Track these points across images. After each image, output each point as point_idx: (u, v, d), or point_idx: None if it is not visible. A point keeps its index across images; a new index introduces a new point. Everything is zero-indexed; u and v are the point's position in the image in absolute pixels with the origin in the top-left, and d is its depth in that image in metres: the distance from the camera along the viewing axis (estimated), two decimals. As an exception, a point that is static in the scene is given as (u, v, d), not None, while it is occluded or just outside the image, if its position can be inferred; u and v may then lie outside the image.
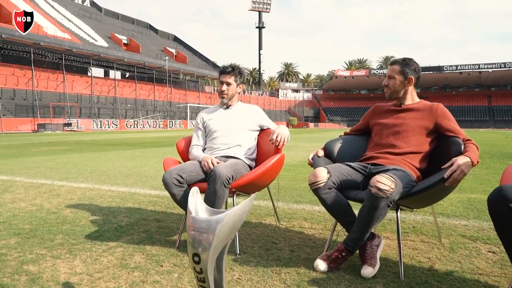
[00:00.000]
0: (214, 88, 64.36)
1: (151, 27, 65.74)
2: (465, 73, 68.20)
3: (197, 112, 53.69)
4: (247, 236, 2.84)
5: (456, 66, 68.35)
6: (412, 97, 2.48)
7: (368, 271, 2.07)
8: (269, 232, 2.94)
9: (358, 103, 78.96)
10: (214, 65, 65.52)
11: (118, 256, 2.43)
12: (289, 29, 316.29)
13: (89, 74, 43.97)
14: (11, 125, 30.57)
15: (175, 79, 54.56)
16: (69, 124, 33.74)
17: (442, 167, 2.06)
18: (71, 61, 40.72)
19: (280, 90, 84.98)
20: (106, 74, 48.10)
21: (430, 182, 2.04)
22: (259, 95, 75.10)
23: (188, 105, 49.33)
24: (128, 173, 6.14)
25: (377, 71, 74.83)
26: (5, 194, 4.34)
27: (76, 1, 56.32)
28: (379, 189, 1.92)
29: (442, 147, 2.33)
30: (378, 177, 1.96)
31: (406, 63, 2.42)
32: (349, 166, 2.33)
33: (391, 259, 2.35)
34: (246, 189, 2.60)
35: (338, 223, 2.34)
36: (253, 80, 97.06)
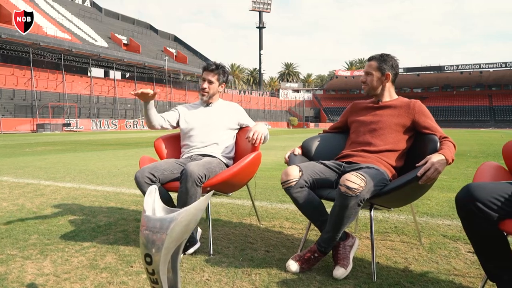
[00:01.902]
0: (214, 88, 64.21)
1: (152, 27, 65.76)
2: (466, 73, 68.08)
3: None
4: (224, 236, 2.79)
5: (457, 66, 68.23)
6: (390, 94, 2.43)
7: (340, 272, 2.01)
8: (248, 232, 2.89)
9: None
10: (214, 65, 65.39)
11: (90, 257, 2.38)
12: (290, 29, 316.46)
13: (89, 74, 43.97)
14: (10, 125, 30.57)
15: (175, 79, 54.53)
16: (68, 124, 33.73)
17: (417, 165, 2.00)
18: (71, 61, 40.72)
19: (280, 90, 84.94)
20: (106, 74, 48.13)
21: (403, 180, 1.98)
22: (259, 95, 75.05)
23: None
24: (117, 172, 6.10)
25: (377, 71, 74.67)
26: (-12, 194, 4.30)
27: (76, 1, 56.36)
28: (348, 188, 1.86)
29: (418, 144, 2.28)
30: (347, 176, 1.90)
31: (383, 59, 2.37)
32: (324, 164, 2.27)
33: (367, 260, 2.29)
34: (222, 188, 2.55)
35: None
36: (254, 80, 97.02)
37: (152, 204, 1.56)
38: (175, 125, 2.89)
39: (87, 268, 2.20)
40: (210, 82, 2.81)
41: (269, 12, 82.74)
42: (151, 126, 2.77)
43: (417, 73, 70.07)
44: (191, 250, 2.40)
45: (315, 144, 2.60)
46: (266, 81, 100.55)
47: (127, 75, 51.35)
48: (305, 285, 1.95)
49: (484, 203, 1.51)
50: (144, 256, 1.41)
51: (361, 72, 75.24)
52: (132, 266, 2.23)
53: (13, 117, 31.87)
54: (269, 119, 70.11)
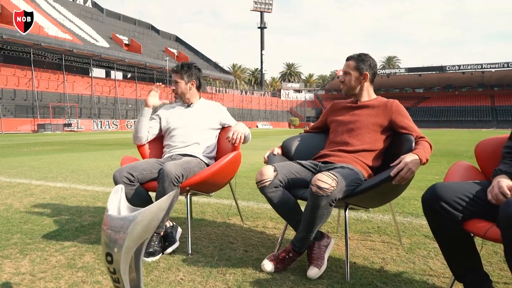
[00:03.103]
0: (215, 89, 64.38)
1: (153, 28, 65.85)
2: (467, 73, 67.90)
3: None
4: (206, 236, 2.79)
5: (459, 66, 68.05)
6: (368, 94, 2.42)
7: (313, 272, 2.01)
8: (230, 232, 2.89)
9: None
10: (216, 66, 65.60)
11: (69, 256, 2.38)
12: (291, 29, 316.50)
13: (90, 74, 44.05)
14: (11, 125, 30.67)
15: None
16: (69, 125, 33.81)
17: (391, 165, 2.00)
18: (72, 61, 40.81)
19: (282, 91, 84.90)
20: (108, 74, 48.21)
21: (376, 180, 1.98)
22: (261, 95, 75.04)
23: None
24: (109, 172, 6.10)
25: (379, 71, 74.52)
26: (-22, 194, 4.31)
27: (77, 1, 56.47)
28: (319, 188, 1.86)
29: (395, 144, 2.28)
30: (319, 175, 1.90)
31: (361, 59, 2.36)
32: (300, 164, 2.27)
33: (344, 260, 2.29)
34: (201, 188, 2.55)
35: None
36: (255, 81, 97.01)
37: (118, 203, 1.56)
38: (158, 132, 2.93)
39: (64, 268, 2.20)
40: (176, 82, 2.83)
41: (270, 12, 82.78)
42: (139, 139, 2.85)
43: (419, 73, 69.99)
44: (169, 250, 2.40)
45: (295, 144, 2.60)
46: (267, 81, 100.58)
47: (128, 75, 51.42)
48: (278, 285, 1.95)
49: (449, 203, 1.51)
50: (105, 255, 1.41)
51: (362, 72, 75.18)
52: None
53: (14, 117, 31.96)
54: (270, 119, 70.12)
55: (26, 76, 35.99)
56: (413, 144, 2.12)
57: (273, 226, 3.05)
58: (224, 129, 2.95)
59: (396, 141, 2.28)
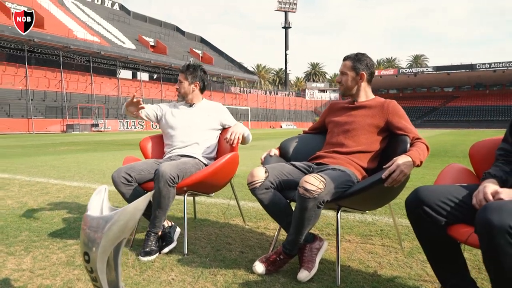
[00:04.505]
0: (239, 89, 64.65)
1: (178, 29, 66.67)
2: (499, 71, 65.54)
3: (222, 112, 53.98)
4: (206, 237, 2.80)
5: (490, 64, 65.78)
6: (366, 94, 2.38)
7: (303, 274, 1.99)
8: (230, 232, 2.90)
9: None
10: (240, 66, 65.83)
11: (69, 254, 2.44)
12: (316, 28, 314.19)
13: (117, 76, 45.02)
14: (41, 125, 31.71)
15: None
16: (96, 125, 34.66)
17: (384, 166, 1.95)
18: (99, 63, 41.82)
19: (306, 90, 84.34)
20: (134, 75, 49.17)
21: (367, 182, 1.94)
22: (285, 95, 74.81)
23: (213, 105, 49.63)
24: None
25: (406, 70, 72.99)
26: (-2, 192, 4.48)
27: (105, 5, 57.82)
28: (306, 190, 1.84)
29: (390, 146, 2.23)
30: (306, 177, 1.88)
31: (358, 59, 2.33)
32: (293, 165, 2.25)
33: (340, 263, 2.25)
34: (199, 188, 2.57)
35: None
36: (280, 81, 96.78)
37: (100, 203, 1.59)
38: (153, 118, 2.95)
39: (62, 265, 2.26)
40: (180, 82, 2.85)
41: (294, 12, 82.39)
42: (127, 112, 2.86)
43: (447, 72, 68.14)
44: (166, 250, 2.43)
45: (293, 145, 2.58)
46: (292, 81, 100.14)
47: (154, 76, 52.27)
48: (267, 287, 1.94)
49: (432, 207, 1.46)
50: (83, 254, 1.44)
51: (388, 72, 73.90)
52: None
53: (44, 117, 33.02)
54: (294, 120, 69.86)
55: (56, 78, 37.12)
56: (408, 145, 2.07)
57: (275, 227, 3.03)
58: (224, 129, 2.96)
59: (392, 143, 2.23)
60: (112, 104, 40.58)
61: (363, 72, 2.31)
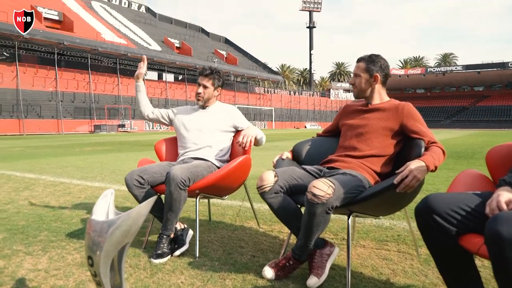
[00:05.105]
0: (264, 89, 64.65)
1: (203, 30, 67.30)
2: (533, 69, 63.11)
3: (245, 113, 54.23)
4: (219, 239, 2.80)
5: (523, 62, 63.39)
6: (380, 96, 2.32)
7: (312, 281, 1.95)
8: (244, 235, 2.88)
9: (414, 103, 74.00)
10: (264, 66, 65.84)
11: (84, 255, 2.48)
12: (341, 28, 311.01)
13: (144, 77, 45.79)
14: (70, 126, 32.62)
15: (225, 81, 55.27)
16: (123, 125, 35.36)
17: (396, 171, 1.90)
18: (126, 65, 42.65)
19: (331, 90, 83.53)
20: (160, 77, 49.91)
21: (379, 188, 1.89)
22: (309, 95, 74.33)
23: (236, 106, 49.85)
24: (146, 173, 6.31)
25: (434, 69, 71.22)
26: (23, 192, 4.62)
27: (132, 7, 58.97)
28: (314, 195, 1.80)
29: (405, 150, 2.16)
30: (315, 182, 1.84)
31: (371, 60, 2.27)
32: (304, 169, 2.21)
33: (352, 269, 2.21)
34: (211, 191, 2.56)
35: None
36: (304, 81, 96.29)
37: (107, 208, 1.60)
38: (166, 120, 3.02)
39: (76, 266, 2.30)
40: (205, 87, 2.85)
41: (319, 11, 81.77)
42: (141, 111, 3.02)
43: (478, 70, 66.08)
44: (177, 252, 2.44)
45: (306, 148, 2.55)
46: (316, 81, 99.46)
47: (179, 77, 52.91)
48: (275, 293, 1.92)
49: (442, 216, 1.40)
50: (87, 258, 1.45)
51: (416, 71, 72.29)
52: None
53: (73, 118, 33.95)
54: (319, 120, 69.33)
55: (84, 80, 38.08)
56: (423, 149, 2.00)
57: (288, 231, 3.00)
58: (238, 132, 2.95)
59: (407, 147, 2.16)
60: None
61: (377, 74, 2.25)
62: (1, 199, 4.16)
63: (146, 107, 3.00)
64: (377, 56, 2.29)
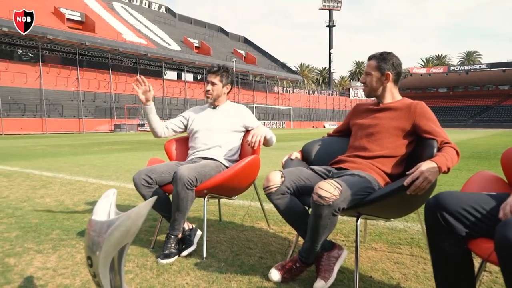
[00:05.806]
0: (282, 89, 64.47)
1: (222, 30, 67.59)
2: (561, 67, 61.11)
3: (263, 112, 54.19)
4: (228, 240, 2.77)
5: (550, 60, 61.44)
6: (392, 95, 2.24)
7: (319, 284, 1.90)
8: (253, 236, 2.84)
9: (436, 102, 74.41)
10: (283, 66, 65.70)
11: (84, 255, 2.49)
12: (361, 26, 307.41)
13: (163, 77, 46.30)
14: (91, 125, 33.24)
15: (244, 80, 55.48)
16: (142, 125, 35.80)
17: (407, 173, 1.83)
18: (145, 65, 43.17)
19: (351, 90, 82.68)
20: (179, 76, 50.37)
21: (388, 189, 1.82)
22: (328, 95, 73.77)
23: (255, 105, 49.89)
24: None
25: (457, 68, 69.68)
26: (40, 190, 4.69)
27: (152, 8, 59.66)
28: (320, 196, 1.75)
29: (417, 150, 2.08)
30: (321, 183, 1.78)
31: (383, 58, 2.20)
32: (312, 170, 2.16)
33: (361, 273, 2.14)
34: (219, 191, 2.53)
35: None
36: (323, 80, 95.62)
37: (108, 207, 1.59)
38: (182, 129, 2.96)
39: (84, 265, 2.30)
40: (213, 84, 2.82)
41: (339, 10, 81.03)
42: (155, 133, 2.85)
43: (503, 69, 64.31)
44: (185, 253, 2.42)
45: (315, 148, 2.49)
46: (336, 81, 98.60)
47: (199, 77, 53.26)
48: (281, 296, 1.88)
49: (453, 214, 1.33)
50: (86, 258, 1.44)
51: (438, 69, 70.87)
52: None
53: (94, 117, 34.58)
54: (338, 119, 68.72)
55: (105, 80, 38.74)
56: (435, 150, 1.92)
57: (299, 232, 2.95)
58: (248, 132, 2.91)
59: (419, 147, 2.08)
60: (157, 104, 41.73)
61: (389, 72, 2.18)
62: (18, 197, 4.24)
63: (160, 128, 2.85)
64: (389, 53, 2.22)
